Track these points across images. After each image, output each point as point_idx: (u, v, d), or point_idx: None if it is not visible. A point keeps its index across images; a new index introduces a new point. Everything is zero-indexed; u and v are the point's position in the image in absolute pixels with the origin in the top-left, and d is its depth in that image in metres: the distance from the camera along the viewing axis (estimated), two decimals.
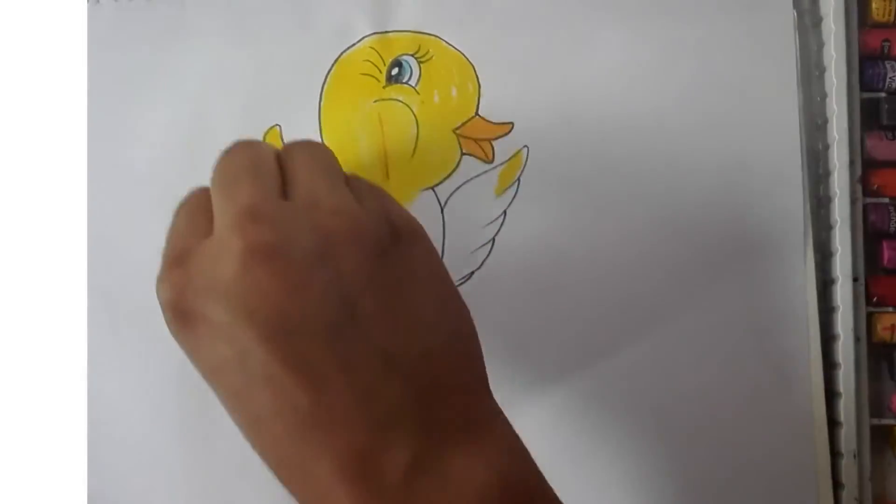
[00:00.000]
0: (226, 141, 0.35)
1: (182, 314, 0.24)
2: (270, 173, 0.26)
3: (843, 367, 0.34)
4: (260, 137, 0.36)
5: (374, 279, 0.24)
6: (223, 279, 0.23)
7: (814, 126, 0.36)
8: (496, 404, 0.26)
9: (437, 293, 0.26)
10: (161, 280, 0.25)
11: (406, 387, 0.24)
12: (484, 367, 0.26)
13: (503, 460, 0.25)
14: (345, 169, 0.35)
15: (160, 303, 0.25)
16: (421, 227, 0.27)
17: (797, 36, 0.35)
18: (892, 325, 0.34)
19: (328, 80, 0.36)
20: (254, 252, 0.23)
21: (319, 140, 0.36)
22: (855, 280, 0.34)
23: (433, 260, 0.27)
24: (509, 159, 0.36)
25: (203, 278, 0.24)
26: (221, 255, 0.24)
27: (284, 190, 0.26)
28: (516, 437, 0.26)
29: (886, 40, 0.35)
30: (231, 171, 0.26)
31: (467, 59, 0.36)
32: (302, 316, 0.23)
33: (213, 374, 0.24)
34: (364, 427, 0.23)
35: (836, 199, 0.35)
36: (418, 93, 0.36)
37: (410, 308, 0.25)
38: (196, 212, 0.27)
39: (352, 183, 0.27)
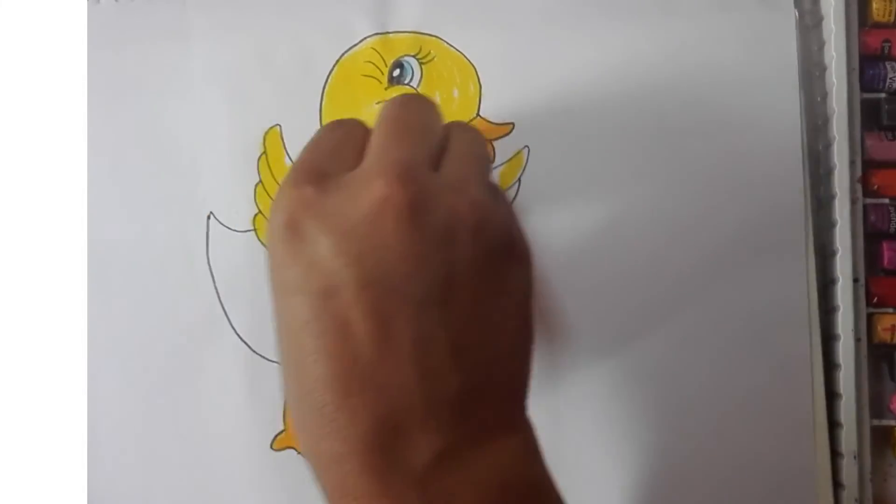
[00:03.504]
0: (227, 141, 0.36)
1: (294, 227, 0.24)
2: (435, 142, 0.27)
3: (843, 367, 0.34)
4: (260, 138, 0.36)
5: (477, 275, 0.25)
6: (352, 216, 0.24)
7: (814, 126, 0.36)
8: (527, 415, 0.27)
9: (520, 311, 0.26)
10: (290, 187, 0.25)
11: (463, 381, 0.24)
12: (528, 381, 0.27)
13: (526, 462, 0.26)
14: None
15: (278, 206, 0.25)
16: (533, 255, 0.27)
17: (798, 36, 0.35)
18: (893, 326, 0.34)
19: (329, 80, 0.36)
20: (392, 205, 0.23)
21: None
22: (855, 281, 0.34)
23: (529, 284, 0.27)
24: (510, 159, 0.36)
25: (332, 206, 0.24)
26: (360, 193, 0.24)
27: (439, 164, 0.26)
28: (538, 442, 0.26)
29: (887, 41, 0.35)
30: (403, 121, 0.27)
31: (468, 59, 0.36)
32: (405, 279, 0.23)
33: (287, 296, 0.24)
34: (410, 403, 0.23)
35: (837, 200, 0.35)
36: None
37: (494, 313, 0.25)
38: (348, 141, 0.27)
39: (495, 188, 0.28)
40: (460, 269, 0.24)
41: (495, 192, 0.27)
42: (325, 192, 0.24)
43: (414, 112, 0.28)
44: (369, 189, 0.24)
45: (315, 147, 0.27)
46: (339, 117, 0.36)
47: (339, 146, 0.27)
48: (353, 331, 0.23)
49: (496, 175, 0.35)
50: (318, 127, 0.36)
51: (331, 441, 0.24)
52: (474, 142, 0.29)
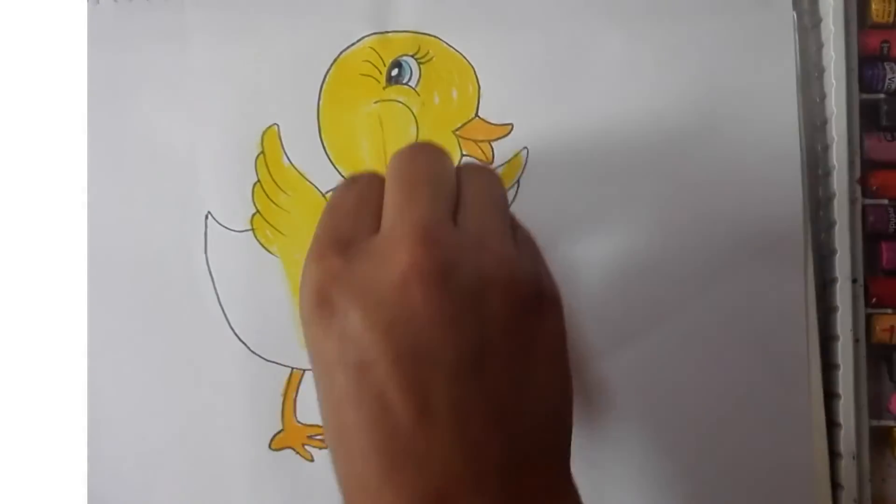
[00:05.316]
0: (225, 141, 0.36)
1: (325, 300, 0.24)
2: (450, 192, 0.26)
3: (842, 368, 0.34)
4: (258, 137, 0.36)
5: (510, 334, 0.24)
6: (379, 286, 0.23)
7: (813, 127, 0.36)
8: (572, 476, 0.26)
9: (557, 364, 0.26)
10: (317, 259, 0.25)
11: (505, 446, 0.23)
12: (570, 443, 0.26)
13: None
14: (344, 170, 0.36)
15: (306, 280, 0.25)
16: (561, 296, 0.27)
17: (796, 37, 0.35)
18: (892, 327, 0.34)
19: (327, 80, 0.36)
20: (417, 272, 0.23)
21: (318, 140, 0.36)
22: (854, 281, 0.34)
23: (562, 332, 0.26)
24: (509, 161, 0.36)
25: (360, 276, 0.24)
26: (385, 262, 0.24)
27: (456, 212, 0.26)
28: None
29: (886, 41, 0.35)
30: (414, 176, 0.26)
31: (467, 60, 0.36)
32: (437, 347, 0.23)
33: (325, 369, 0.24)
34: (453, 473, 0.23)
35: (836, 200, 0.35)
36: (418, 94, 0.36)
37: (532, 372, 0.25)
38: (367, 201, 0.27)
39: (515, 227, 0.28)
40: (493, 331, 0.24)
41: (518, 237, 0.27)
42: (351, 262, 0.24)
43: (424, 164, 0.27)
44: (394, 257, 0.24)
45: (334, 212, 0.27)
46: (337, 117, 0.36)
47: (358, 209, 0.27)
48: (390, 404, 0.23)
49: None
50: (317, 127, 0.36)
51: None
52: (490, 185, 0.28)
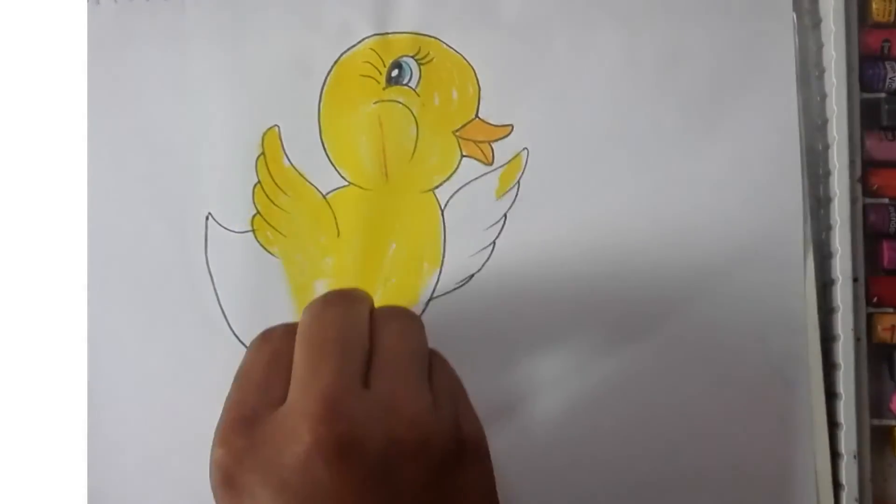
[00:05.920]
0: (226, 142, 0.36)
1: (230, 482, 0.24)
2: (360, 350, 0.26)
3: (843, 367, 0.34)
4: (259, 138, 0.36)
5: (429, 496, 0.24)
6: (283, 465, 0.23)
7: (813, 126, 0.36)
8: None
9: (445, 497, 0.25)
10: (222, 440, 0.25)
11: None
12: None
13: None
14: (344, 171, 0.36)
15: (212, 460, 0.25)
16: (486, 444, 0.26)
17: (796, 36, 0.35)
18: (893, 326, 0.34)
19: (328, 81, 0.36)
20: (322, 448, 0.23)
21: (319, 141, 0.36)
22: (855, 280, 0.34)
23: (488, 483, 0.26)
24: (509, 161, 0.36)
25: (263, 457, 0.24)
26: (288, 439, 0.23)
27: (369, 367, 0.25)
28: None
29: (886, 40, 0.35)
30: (320, 337, 0.26)
31: (467, 61, 0.36)
32: None
33: None
34: None
35: (836, 200, 0.34)
36: (418, 94, 0.36)
37: None
38: (277, 366, 0.26)
39: (434, 376, 0.27)
40: (408, 496, 0.23)
41: (438, 386, 0.26)
42: (255, 444, 0.24)
43: (332, 320, 0.26)
44: (297, 433, 0.23)
45: (242, 383, 0.26)
46: (337, 118, 0.36)
47: (267, 378, 0.26)
48: None
49: (496, 178, 0.35)
50: (317, 128, 0.36)
51: None
52: (403, 333, 0.27)
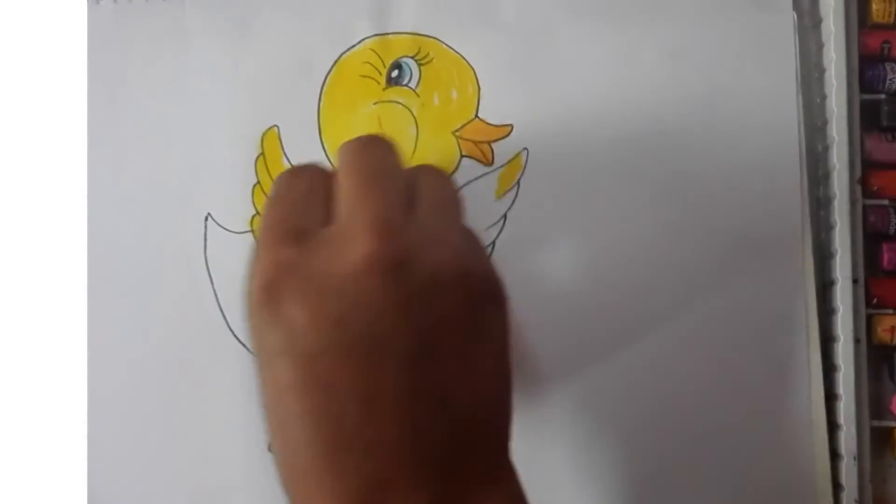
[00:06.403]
0: (225, 142, 0.36)
1: (275, 290, 0.24)
2: (402, 185, 0.27)
3: (842, 368, 0.34)
4: (258, 139, 0.36)
5: (461, 327, 0.25)
6: (334, 276, 0.23)
7: (813, 127, 0.36)
8: (511, 461, 0.26)
9: (501, 357, 0.26)
10: (270, 247, 0.25)
11: (450, 435, 0.24)
12: (511, 426, 0.27)
13: None
14: None
15: (258, 268, 0.25)
16: (507, 295, 0.27)
17: (797, 37, 0.35)
18: (892, 327, 0.34)
19: (327, 81, 0.36)
20: (375, 263, 0.23)
21: (318, 142, 0.36)
22: (855, 282, 0.34)
23: (507, 324, 0.27)
24: (509, 162, 0.36)
25: (314, 267, 0.24)
26: (342, 252, 0.24)
27: (412, 208, 0.26)
28: (523, 493, 0.26)
29: (886, 42, 0.35)
30: (365, 170, 0.26)
31: (467, 61, 0.36)
32: (389, 338, 0.23)
33: (269, 359, 0.24)
34: (397, 459, 0.23)
35: (836, 201, 0.34)
36: (418, 95, 0.36)
37: (477, 361, 0.25)
38: (314, 192, 0.27)
39: (470, 228, 0.27)
40: (446, 322, 0.24)
41: (472, 237, 0.27)
42: (306, 253, 0.24)
43: (378, 157, 0.27)
44: (351, 248, 0.24)
45: (282, 202, 0.27)
46: (337, 118, 0.36)
47: (308, 199, 0.27)
48: (338, 393, 0.23)
49: (495, 178, 0.35)
50: (317, 128, 0.36)
51: (318, 501, 0.23)
52: (446, 186, 0.28)
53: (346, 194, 0.26)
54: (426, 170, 0.29)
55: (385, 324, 0.23)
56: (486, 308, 0.26)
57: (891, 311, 0.34)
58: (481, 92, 0.36)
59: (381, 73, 0.36)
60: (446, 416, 0.24)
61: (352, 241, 0.24)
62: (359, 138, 0.28)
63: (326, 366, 0.23)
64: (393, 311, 0.23)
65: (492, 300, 0.26)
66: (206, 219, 0.36)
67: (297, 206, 0.26)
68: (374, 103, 0.36)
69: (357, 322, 0.23)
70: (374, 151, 0.27)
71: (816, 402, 0.34)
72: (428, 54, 0.36)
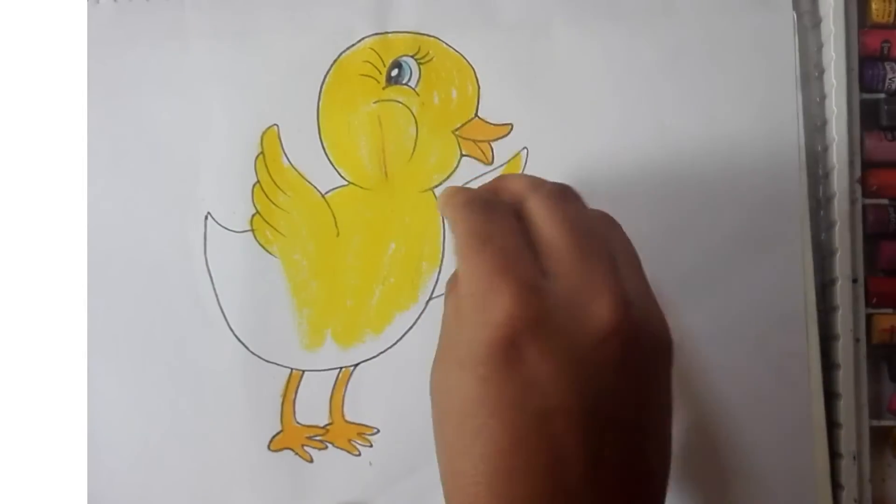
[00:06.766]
0: (225, 141, 0.36)
1: (514, 344, 0.23)
2: (606, 242, 0.26)
3: (842, 368, 0.34)
4: (258, 137, 0.36)
5: (663, 394, 0.25)
6: (575, 338, 0.23)
7: (813, 127, 0.36)
8: None
9: (666, 406, 0.26)
10: (511, 295, 0.23)
11: (620, 495, 0.24)
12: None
13: None
14: (344, 170, 0.36)
15: (494, 316, 0.23)
16: (671, 334, 0.26)
17: (796, 37, 0.35)
18: (892, 326, 0.34)
19: (327, 80, 0.36)
20: (620, 333, 0.23)
21: (318, 141, 0.36)
22: (854, 281, 0.34)
23: (669, 371, 0.26)
24: (508, 161, 0.36)
25: (558, 326, 0.23)
26: (583, 314, 0.23)
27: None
28: None
29: (886, 41, 0.35)
30: (578, 226, 0.25)
31: (467, 60, 0.36)
32: (618, 405, 0.23)
33: (500, 409, 0.23)
34: None
35: (836, 200, 0.35)
36: (418, 94, 0.36)
37: (649, 421, 0.25)
38: (520, 237, 0.25)
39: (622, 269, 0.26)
40: (654, 390, 0.25)
41: (636, 284, 0.26)
42: (549, 311, 0.23)
43: (580, 210, 0.27)
44: (595, 312, 0.23)
45: (494, 245, 0.25)
46: (336, 117, 0.36)
47: (520, 245, 0.25)
48: (565, 454, 0.23)
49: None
50: (316, 127, 0.36)
51: None
52: (626, 238, 0.28)
53: (562, 249, 0.25)
54: (608, 222, 0.28)
55: (616, 392, 0.23)
56: (657, 366, 0.25)
57: (890, 311, 0.34)
58: (481, 91, 0.36)
59: (380, 72, 0.36)
60: (646, 488, 0.24)
61: (591, 303, 0.24)
62: (551, 184, 0.27)
63: (558, 427, 0.23)
64: (624, 379, 0.24)
65: (658, 354, 0.25)
66: (206, 218, 0.36)
67: (515, 254, 0.25)
68: (374, 102, 0.36)
69: (592, 386, 0.23)
70: (575, 203, 0.27)
71: (816, 402, 0.34)
72: (428, 53, 0.36)
